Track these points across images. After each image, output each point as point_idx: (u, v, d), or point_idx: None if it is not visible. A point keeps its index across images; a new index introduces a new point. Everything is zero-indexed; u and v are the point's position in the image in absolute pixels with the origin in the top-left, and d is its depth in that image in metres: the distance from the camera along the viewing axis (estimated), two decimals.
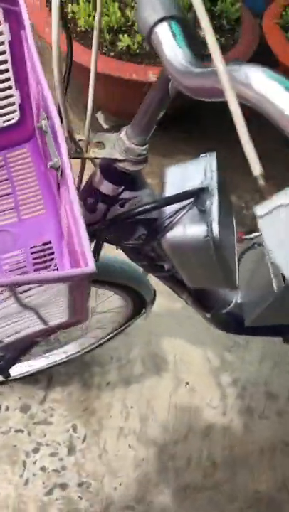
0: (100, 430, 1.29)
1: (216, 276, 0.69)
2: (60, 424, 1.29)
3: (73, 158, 0.52)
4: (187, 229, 0.62)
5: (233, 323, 1.01)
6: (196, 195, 0.61)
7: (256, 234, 0.85)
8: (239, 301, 0.96)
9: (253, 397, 1.37)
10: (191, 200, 0.61)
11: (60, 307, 0.49)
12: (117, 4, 1.55)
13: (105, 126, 1.82)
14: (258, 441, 1.31)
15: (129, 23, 1.56)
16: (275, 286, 0.67)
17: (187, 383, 1.38)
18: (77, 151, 0.52)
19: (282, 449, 1.30)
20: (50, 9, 0.47)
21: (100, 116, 1.88)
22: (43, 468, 1.22)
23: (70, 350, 1.29)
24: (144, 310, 1.08)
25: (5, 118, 0.58)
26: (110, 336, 1.22)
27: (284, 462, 1.29)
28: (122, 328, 1.19)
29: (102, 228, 0.60)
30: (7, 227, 0.61)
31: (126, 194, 0.60)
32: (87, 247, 0.40)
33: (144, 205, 0.58)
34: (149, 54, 1.52)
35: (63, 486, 1.21)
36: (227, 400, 1.36)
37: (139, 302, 1.04)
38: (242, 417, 1.34)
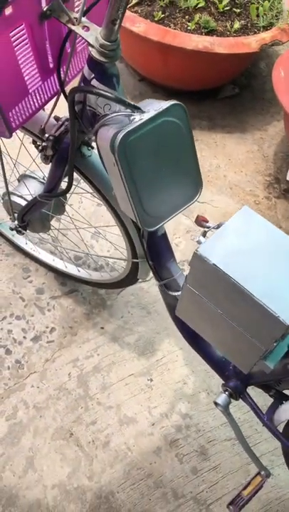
0: (65, 347, 1.45)
1: (126, 199, 0.80)
2: (47, 320, 1.50)
3: (63, 23, 0.73)
4: (110, 130, 0.76)
5: (173, 311, 1.05)
6: (131, 109, 0.75)
7: (215, 224, 0.89)
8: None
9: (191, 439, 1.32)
10: (128, 111, 0.75)
11: None
12: None
13: None
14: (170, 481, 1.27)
15: None
16: None
17: (151, 380, 1.41)
18: (67, 21, 0.73)
19: None
20: None
21: None
22: (9, 331, 1.46)
23: (94, 276, 1.48)
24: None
25: None
26: (119, 280, 1.35)
27: None
28: (127, 280, 1.31)
29: (74, 91, 0.78)
30: None
31: (95, 82, 0.77)
32: None
33: (101, 90, 0.75)
34: None
35: (8, 352, 1.42)
36: (165, 420, 1.35)
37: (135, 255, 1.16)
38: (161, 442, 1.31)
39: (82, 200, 1.76)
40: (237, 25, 1.89)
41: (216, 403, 1.03)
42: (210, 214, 1.80)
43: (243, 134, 2.11)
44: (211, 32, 1.86)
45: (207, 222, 0.92)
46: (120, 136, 0.72)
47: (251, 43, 1.82)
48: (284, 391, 1.03)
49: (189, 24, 1.88)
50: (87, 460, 1.26)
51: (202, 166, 1.84)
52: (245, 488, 1.06)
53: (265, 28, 1.92)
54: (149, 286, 1.59)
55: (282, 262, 0.77)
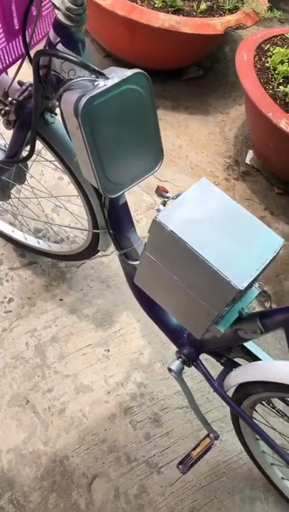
0: (23, 317, 1.46)
1: (88, 164, 0.81)
2: (5, 290, 1.50)
3: None
4: (74, 94, 0.77)
5: (132, 280, 1.08)
6: (96, 75, 0.76)
7: (174, 195, 0.92)
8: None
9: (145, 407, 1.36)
10: (93, 76, 0.77)
11: None
12: None
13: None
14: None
15: None
16: None
17: (108, 350, 1.45)
18: None
19: None
20: None
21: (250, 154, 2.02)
22: None
23: (54, 248, 1.49)
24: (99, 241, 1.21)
25: None
26: (79, 252, 1.36)
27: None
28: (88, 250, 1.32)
29: (40, 53, 0.79)
30: None
31: (60, 47, 0.78)
32: None
33: (66, 54, 0.76)
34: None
35: None
36: (120, 389, 1.39)
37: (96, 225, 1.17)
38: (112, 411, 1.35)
39: (43, 173, 1.75)
40: (203, 6, 1.91)
41: (169, 369, 1.07)
42: (171, 192, 1.83)
43: (205, 115, 2.15)
44: (177, 11, 1.88)
45: (167, 192, 0.95)
46: (84, 99, 0.73)
47: (216, 24, 1.84)
48: (234, 359, 1.08)
49: (156, 1, 1.88)
50: (43, 426, 1.29)
51: (165, 145, 1.86)
52: (194, 449, 1.11)
53: (231, 11, 1.95)
54: (109, 261, 1.61)
55: (236, 231, 0.82)
